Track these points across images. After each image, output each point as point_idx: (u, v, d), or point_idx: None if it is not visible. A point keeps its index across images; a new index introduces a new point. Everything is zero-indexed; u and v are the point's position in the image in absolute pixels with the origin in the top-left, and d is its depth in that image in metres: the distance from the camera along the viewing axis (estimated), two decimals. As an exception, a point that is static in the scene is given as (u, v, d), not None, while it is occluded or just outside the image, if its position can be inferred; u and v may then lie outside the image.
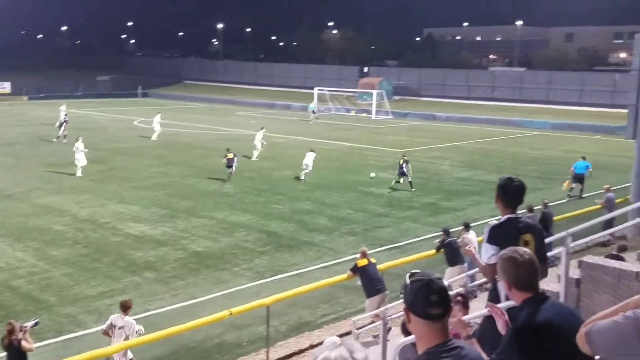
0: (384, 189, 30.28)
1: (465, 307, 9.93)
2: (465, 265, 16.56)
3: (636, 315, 2.98)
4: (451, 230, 18.23)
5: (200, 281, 18.02)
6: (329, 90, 74.01)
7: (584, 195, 28.45)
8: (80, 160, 32.40)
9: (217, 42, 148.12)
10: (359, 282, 15.32)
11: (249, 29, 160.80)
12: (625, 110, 23.53)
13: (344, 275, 15.80)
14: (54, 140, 43.80)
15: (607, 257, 13.49)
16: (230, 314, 13.71)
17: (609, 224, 15.95)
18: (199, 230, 22.97)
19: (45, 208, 25.85)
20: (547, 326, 3.85)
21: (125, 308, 12.37)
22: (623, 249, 15.48)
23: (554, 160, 39.43)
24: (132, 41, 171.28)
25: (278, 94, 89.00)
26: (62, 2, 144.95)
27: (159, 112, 49.33)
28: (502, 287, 5.75)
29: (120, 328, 12.13)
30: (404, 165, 30.26)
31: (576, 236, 11.08)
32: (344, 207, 26.74)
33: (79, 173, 32.29)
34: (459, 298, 10.14)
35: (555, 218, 20.25)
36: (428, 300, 3.23)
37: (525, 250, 4.04)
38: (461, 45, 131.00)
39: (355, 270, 15.27)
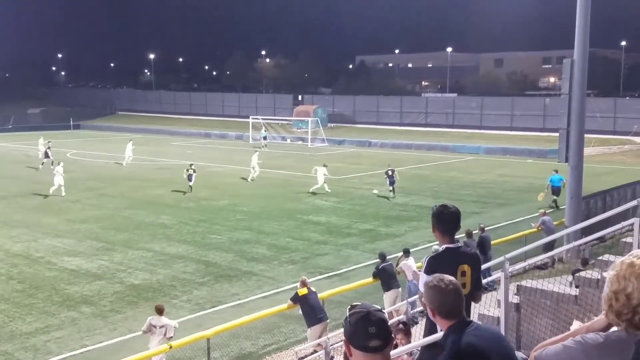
0: (322, 216, 30.38)
1: (407, 335, 9.96)
2: (400, 289, 16.69)
3: (585, 340, 3.02)
4: (392, 256, 18.37)
5: (139, 314, 17.66)
6: (263, 119, 74.14)
7: (560, 207, 28.78)
8: (58, 181, 34.95)
9: (149, 73, 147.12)
10: (300, 311, 15.27)
11: (181, 59, 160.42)
12: (556, 134, 24.12)
13: (285, 305, 15.73)
14: (40, 167, 46.05)
15: (573, 271, 13.66)
16: (170, 347, 13.49)
17: (549, 246, 16.23)
18: (136, 263, 22.59)
19: (-24, 244, 25.07)
20: (471, 350, 3.85)
21: (160, 311, 14.16)
22: (585, 262, 15.77)
23: (488, 184, 40.14)
24: (63, 73, 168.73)
25: (213, 123, 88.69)
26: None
27: (130, 140, 50.70)
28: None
29: (161, 327, 13.92)
30: (393, 174, 34.90)
31: (513, 260, 11.25)
32: (283, 236, 26.66)
33: (63, 192, 34.92)
34: (401, 326, 10.16)
35: (492, 242, 20.58)
36: (367, 332, 3.21)
37: (451, 279, 4.02)
38: (393, 72, 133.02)
39: (296, 299, 15.22)
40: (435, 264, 5.79)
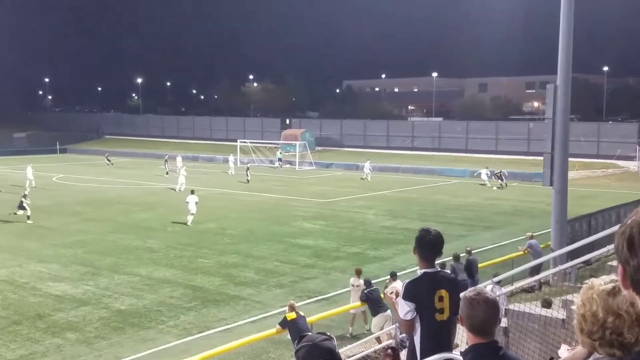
0: (310, 239, 30.35)
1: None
2: (389, 311, 16.61)
3: None
4: (380, 279, 18.38)
5: (125, 340, 17.55)
6: (251, 142, 74.23)
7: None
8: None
9: (136, 97, 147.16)
10: (289, 336, 15.20)
11: (168, 83, 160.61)
12: (540, 158, 24.26)
13: (273, 330, 15.66)
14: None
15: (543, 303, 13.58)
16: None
17: (536, 269, 16.24)
18: (122, 288, 22.44)
19: (-40, 270, 24.87)
20: None
21: (358, 272, 18.72)
22: (548, 304, 15.71)
23: (475, 207, 40.25)
24: (50, 97, 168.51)
25: (201, 146, 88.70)
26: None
27: (183, 166, 51.74)
28: (417, 341, 5.73)
29: (357, 286, 18.01)
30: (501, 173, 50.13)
31: (500, 283, 11.24)
32: (271, 259, 26.59)
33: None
34: (389, 351, 10.13)
35: (479, 265, 20.57)
36: None
37: (487, 296, 3.94)
38: (380, 96, 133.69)
39: (285, 324, 15.15)
40: (412, 289, 5.72)
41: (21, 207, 34.50)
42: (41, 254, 27.34)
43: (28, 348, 16.95)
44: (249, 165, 57.42)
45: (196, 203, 33.64)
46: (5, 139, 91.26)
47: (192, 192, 35.20)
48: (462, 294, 4.06)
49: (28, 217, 34.39)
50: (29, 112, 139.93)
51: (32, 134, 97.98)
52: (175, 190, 46.30)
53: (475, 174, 53.34)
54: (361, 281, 17.92)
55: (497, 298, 12.09)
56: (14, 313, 19.74)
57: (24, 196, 35.34)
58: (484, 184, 50.54)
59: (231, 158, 62.76)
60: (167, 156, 63.08)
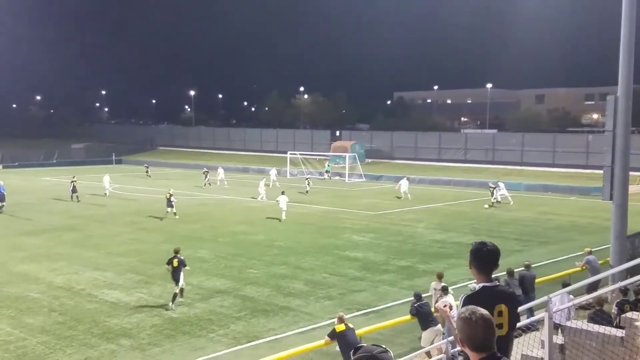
0: (359, 252, 30.20)
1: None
2: (439, 326, 16.38)
3: None
4: (429, 294, 18.20)
5: (177, 348, 17.67)
6: (301, 154, 74.50)
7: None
8: (282, 205, 38.94)
9: (189, 109, 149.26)
10: (337, 348, 15.10)
11: (220, 95, 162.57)
12: (600, 171, 23.68)
13: (322, 341, 15.57)
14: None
15: (617, 303, 13.19)
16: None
17: (593, 286, 15.81)
18: (174, 297, 22.63)
19: (21, 276, 25.43)
20: None
21: (439, 277, 18.75)
22: (625, 292, 15.23)
23: (529, 222, 39.50)
24: (106, 110, 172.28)
25: (251, 158, 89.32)
26: (35, 72, 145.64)
27: (264, 178, 53.98)
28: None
29: (439, 290, 18.03)
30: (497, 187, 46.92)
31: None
32: (320, 271, 26.53)
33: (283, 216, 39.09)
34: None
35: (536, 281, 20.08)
36: None
37: (483, 313, 3.97)
38: (432, 108, 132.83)
39: (333, 335, 15.05)
40: (471, 304, 5.62)
41: (169, 205, 39.61)
42: (97, 262, 27.80)
43: (84, 353, 17.21)
44: (309, 177, 59.27)
45: (287, 202, 39.05)
46: (64, 150, 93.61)
47: (283, 192, 40.35)
48: (458, 313, 4.04)
49: (175, 214, 39.63)
50: (87, 124, 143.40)
51: (89, 145, 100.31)
52: (257, 199, 48.54)
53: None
54: (443, 284, 18.10)
55: (566, 309, 11.73)
56: (71, 319, 20.08)
57: (171, 195, 39.71)
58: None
59: (273, 170, 63.33)
60: (205, 168, 64.04)
